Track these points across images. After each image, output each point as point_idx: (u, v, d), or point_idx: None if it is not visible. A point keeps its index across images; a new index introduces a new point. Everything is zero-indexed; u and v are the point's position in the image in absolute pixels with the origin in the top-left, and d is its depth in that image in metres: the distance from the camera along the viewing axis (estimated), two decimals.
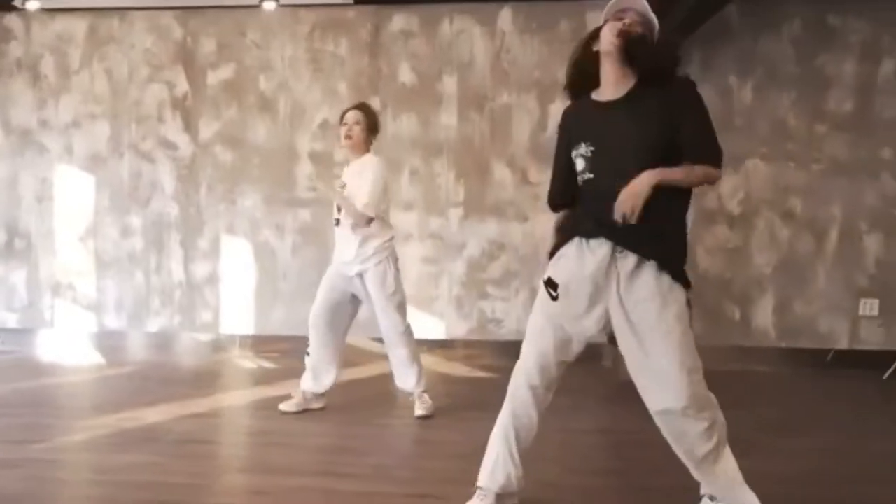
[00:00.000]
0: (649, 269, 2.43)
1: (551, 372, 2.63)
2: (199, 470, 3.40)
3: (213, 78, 6.14)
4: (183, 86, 6.17)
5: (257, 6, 5.92)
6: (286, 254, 6.04)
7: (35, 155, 6.29)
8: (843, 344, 5.77)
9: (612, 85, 2.42)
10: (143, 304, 6.26)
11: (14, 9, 6.03)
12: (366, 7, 6.01)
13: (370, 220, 4.10)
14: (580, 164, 2.45)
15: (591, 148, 2.40)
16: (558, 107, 5.88)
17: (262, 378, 5.30)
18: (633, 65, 2.41)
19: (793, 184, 5.79)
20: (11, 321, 6.36)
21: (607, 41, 2.38)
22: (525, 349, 2.68)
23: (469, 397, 4.82)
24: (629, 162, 2.35)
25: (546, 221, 5.90)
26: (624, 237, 2.39)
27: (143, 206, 6.22)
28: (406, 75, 6.04)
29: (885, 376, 5.41)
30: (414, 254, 6.03)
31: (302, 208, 6.07)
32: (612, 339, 2.66)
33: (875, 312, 5.76)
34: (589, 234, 2.46)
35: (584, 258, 2.47)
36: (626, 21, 2.37)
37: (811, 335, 5.81)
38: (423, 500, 3.05)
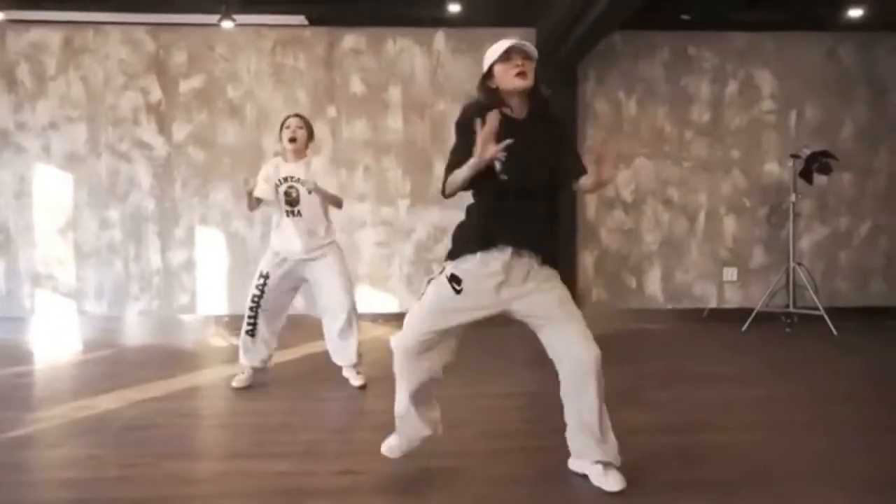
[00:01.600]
0: (538, 263, 2.81)
1: (433, 343, 2.84)
2: (134, 461, 3.22)
3: (185, 86, 6.68)
4: (157, 93, 6.66)
5: (216, 25, 6.48)
6: (255, 241, 6.61)
7: (12, 155, 6.56)
8: (713, 304, 7.12)
9: (514, 109, 2.79)
10: (122, 289, 6.65)
11: None
12: (321, 28, 6.76)
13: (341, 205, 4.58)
14: (497, 166, 2.67)
15: (504, 153, 2.59)
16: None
17: (229, 356, 5.18)
18: (531, 98, 2.81)
19: (670, 177, 7.09)
20: None
21: (512, 81, 2.73)
22: (417, 327, 2.82)
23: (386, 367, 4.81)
24: (535, 171, 2.75)
25: None
26: (523, 241, 2.74)
27: (121, 201, 6.62)
28: (357, 86, 6.82)
29: (743, 328, 6.58)
30: (368, 239, 6.84)
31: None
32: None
33: (734, 278, 7.14)
34: (500, 243, 2.74)
35: (489, 260, 2.75)
36: (520, 63, 2.74)
37: (689, 297, 7.13)
38: (345, 476, 3.04)
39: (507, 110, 2.74)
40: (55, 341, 6.25)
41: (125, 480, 3.01)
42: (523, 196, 2.73)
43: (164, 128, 6.68)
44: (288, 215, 4.35)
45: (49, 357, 5.72)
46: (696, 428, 3.75)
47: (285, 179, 4.34)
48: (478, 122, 2.56)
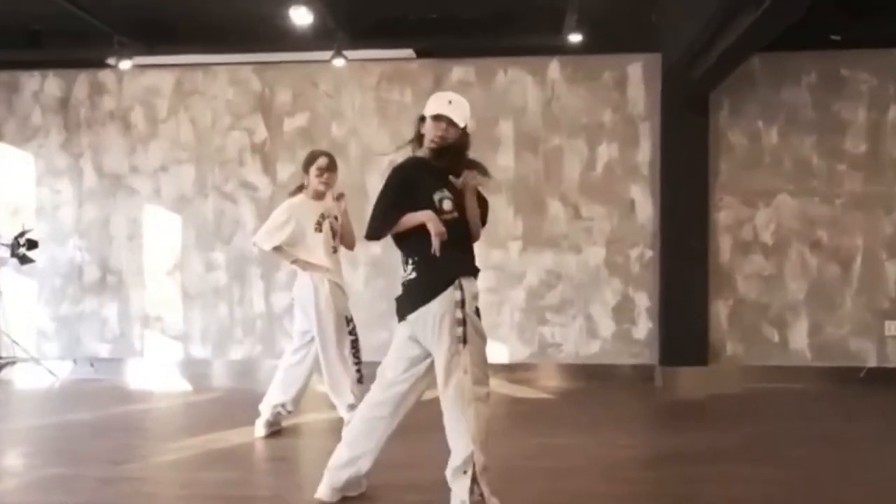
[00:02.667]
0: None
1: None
2: (282, 484, 3.59)
3: (289, 125, 6.48)
4: (262, 132, 6.50)
5: (328, 61, 6.28)
6: (359, 284, 6.26)
7: (126, 197, 6.58)
8: (872, 362, 6.08)
9: (434, 158, 3.08)
10: (226, 333, 6.51)
11: (107, 66, 6.36)
12: (427, 60, 6.40)
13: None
14: (447, 205, 2.99)
15: (450, 196, 2.98)
16: (605, 149, 6.30)
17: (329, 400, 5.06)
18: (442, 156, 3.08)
19: (818, 217, 6.15)
20: (104, 351, 6.59)
21: (431, 139, 3.05)
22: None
23: (529, 416, 5.02)
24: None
25: (597, 252, 6.32)
26: (475, 269, 3.11)
27: (226, 243, 6.50)
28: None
29: None
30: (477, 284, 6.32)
31: (372, 242, 6.36)
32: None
33: None
34: (470, 273, 3.06)
35: (454, 292, 2.97)
36: (443, 128, 3.01)
37: (843, 354, 6.12)
38: None
39: (431, 159, 3.07)
40: (167, 382, 6.34)
41: (280, 500, 3.38)
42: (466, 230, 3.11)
43: (268, 168, 6.51)
44: (335, 251, 4.38)
45: (166, 396, 5.99)
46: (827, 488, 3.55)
47: (324, 216, 4.33)
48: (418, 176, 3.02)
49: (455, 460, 2.95)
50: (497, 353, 6.24)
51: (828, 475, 3.75)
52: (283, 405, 4.45)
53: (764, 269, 6.20)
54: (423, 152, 3.09)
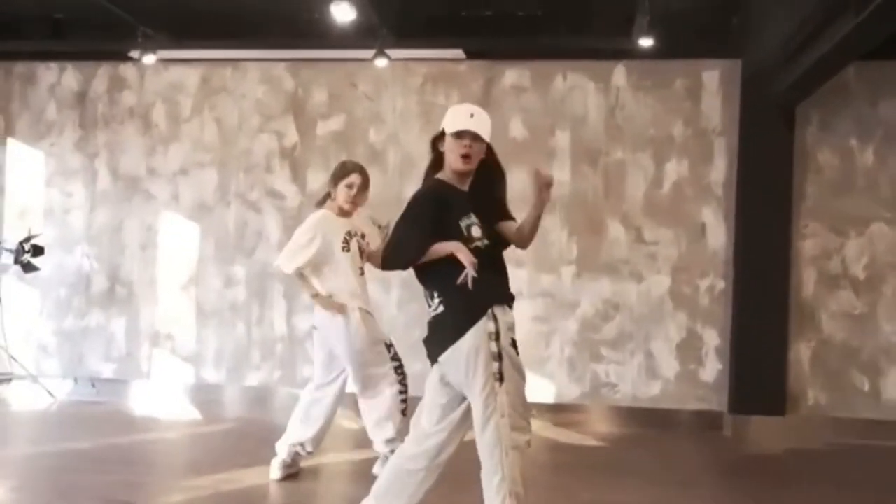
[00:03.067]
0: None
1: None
2: None
3: (323, 128, 6.06)
4: (293, 136, 6.08)
5: (369, 60, 5.77)
6: (392, 308, 5.75)
7: (142, 202, 6.21)
8: None
9: (458, 181, 2.80)
10: (243, 356, 6.06)
11: (129, 59, 5.96)
12: (478, 62, 5.97)
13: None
14: (476, 232, 2.71)
15: (477, 221, 2.73)
16: (674, 165, 5.81)
17: (363, 440, 4.65)
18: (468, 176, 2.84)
19: None
20: (108, 371, 6.19)
21: (456, 161, 2.75)
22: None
23: (578, 466, 4.65)
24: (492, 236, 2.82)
25: (661, 282, 5.68)
26: (510, 296, 2.81)
27: (248, 256, 6.07)
28: (518, 129, 5.89)
29: None
30: (524, 312, 5.71)
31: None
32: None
33: None
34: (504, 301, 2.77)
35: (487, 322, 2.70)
36: (467, 144, 2.73)
37: None
38: None
39: (454, 183, 2.83)
40: (174, 409, 5.95)
41: None
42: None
43: (297, 175, 6.05)
44: (362, 273, 4.05)
45: (174, 425, 5.61)
46: None
47: (351, 234, 4.02)
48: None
49: None
50: (542, 391, 5.74)
51: None
52: (302, 445, 4.09)
53: (854, 307, 5.60)
54: (444, 175, 2.81)
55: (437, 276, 2.72)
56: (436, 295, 2.74)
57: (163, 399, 6.04)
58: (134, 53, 5.86)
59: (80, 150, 6.27)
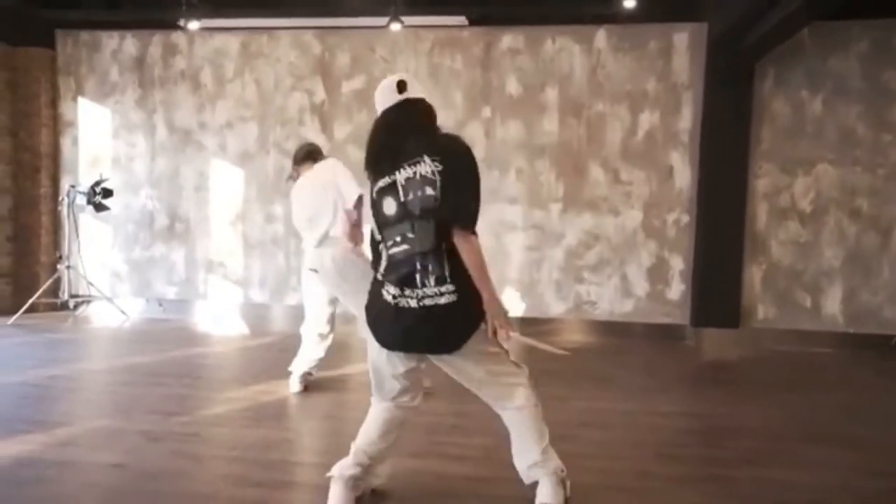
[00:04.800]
0: None
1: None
2: (323, 448, 3.29)
3: (347, 87, 6.56)
4: (321, 94, 6.59)
5: (385, 27, 6.37)
6: None
7: (194, 152, 6.77)
8: None
9: None
10: (283, 280, 6.68)
11: (179, 28, 6.54)
12: (479, 28, 6.38)
13: None
14: None
15: None
16: (647, 116, 6.19)
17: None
18: None
19: (859, 186, 5.97)
20: (171, 293, 6.84)
21: None
22: None
23: (565, 374, 4.77)
24: None
25: (634, 216, 6.32)
26: None
27: (285, 197, 6.45)
28: (513, 87, 6.36)
29: None
30: (518, 242, 6.38)
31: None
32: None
33: None
34: None
35: None
36: None
37: (878, 322, 5.98)
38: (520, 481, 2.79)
39: None
40: (226, 325, 6.48)
41: (320, 467, 2.88)
42: None
43: (326, 127, 6.60)
44: None
45: (224, 340, 5.95)
46: None
47: None
48: None
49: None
50: (534, 308, 6.30)
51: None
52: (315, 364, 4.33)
53: (800, 235, 6.06)
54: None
55: (454, 259, 2.40)
56: (448, 279, 2.39)
57: (217, 316, 6.66)
58: (181, 22, 6.33)
59: (141, 108, 6.80)
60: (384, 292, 2.49)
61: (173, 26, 6.54)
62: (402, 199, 2.43)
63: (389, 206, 2.46)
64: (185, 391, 4.28)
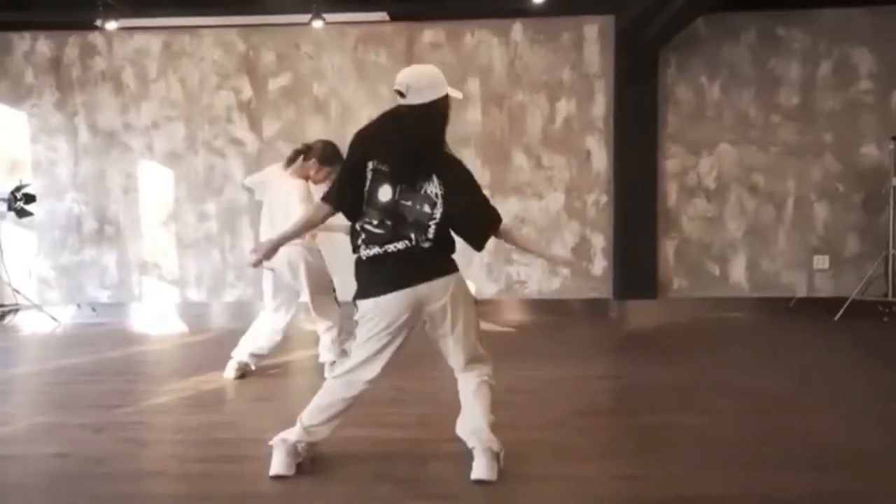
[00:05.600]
0: None
1: None
2: (268, 426, 3.27)
3: (274, 85, 6.52)
4: (248, 92, 6.53)
5: (308, 24, 6.37)
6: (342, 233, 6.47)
7: (120, 153, 6.58)
8: (802, 293, 6.43)
9: None
10: (220, 278, 6.61)
11: (96, 28, 6.29)
12: (401, 24, 6.46)
13: None
14: None
15: None
16: (563, 104, 6.45)
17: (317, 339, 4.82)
18: None
19: (755, 163, 6.42)
20: (104, 297, 6.65)
21: None
22: None
23: (499, 348, 4.75)
24: None
25: (557, 198, 6.62)
26: None
27: (217, 195, 6.56)
28: None
29: (836, 318, 5.96)
30: None
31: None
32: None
33: (826, 266, 6.45)
34: None
35: None
36: None
37: (777, 287, 6.47)
38: (455, 443, 3.02)
39: None
40: (164, 325, 6.35)
41: (264, 443, 2.99)
42: None
43: (254, 125, 6.55)
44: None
45: (162, 338, 5.88)
46: (786, 412, 3.65)
47: None
48: None
49: None
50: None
51: (786, 403, 3.81)
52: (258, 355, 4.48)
53: (707, 211, 6.47)
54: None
55: (451, 239, 2.86)
56: (431, 237, 2.77)
57: (155, 317, 6.49)
58: (98, 22, 6.04)
59: (60, 110, 6.55)
60: (369, 252, 2.77)
61: (90, 27, 6.27)
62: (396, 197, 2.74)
63: (385, 193, 2.76)
64: (126, 386, 4.29)
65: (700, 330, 5.86)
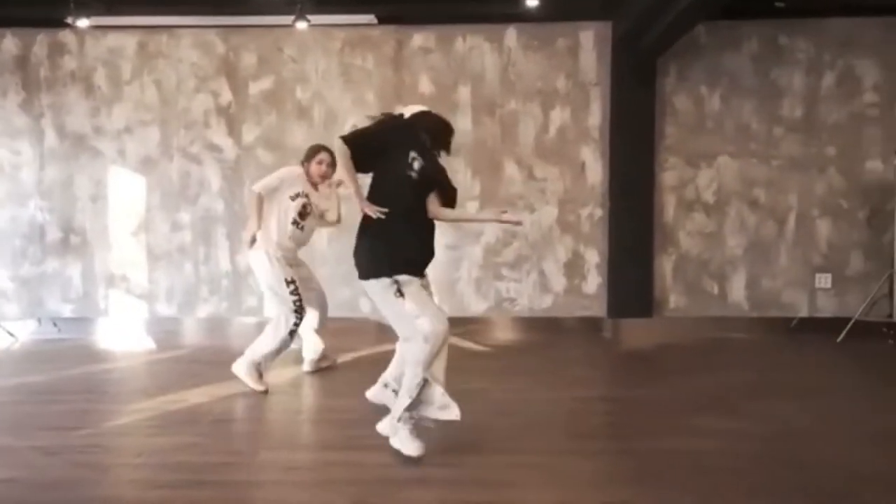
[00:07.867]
0: None
1: None
2: (235, 448, 3.22)
3: (255, 88, 6.12)
4: (227, 95, 6.12)
5: (291, 26, 5.95)
6: (323, 244, 5.93)
7: (89, 158, 6.14)
8: (803, 312, 6.07)
9: None
10: (192, 292, 6.15)
11: (67, 25, 5.88)
12: (389, 27, 6.09)
13: None
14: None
15: None
16: (558, 113, 6.12)
17: (297, 357, 4.82)
18: None
19: (756, 177, 6.07)
20: (67, 311, 6.17)
21: None
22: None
23: (487, 369, 4.83)
24: None
25: (550, 212, 6.21)
26: None
27: (192, 204, 6.13)
28: (426, 86, 6.11)
29: (839, 339, 5.60)
30: (438, 241, 6.04)
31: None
32: None
33: (828, 285, 6.08)
34: None
35: None
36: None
37: (777, 306, 6.10)
38: (444, 468, 2.97)
39: None
40: (131, 341, 5.92)
41: (232, 466, 3.00)
42: None
43: (233, 130, 6.13)
44: (294, 224, 4.36)
45: (129, 355, 5.51)
46: (790, 437, 3.42)
47: (300, 195, 4.35)
48: None
49: None
50: (455, 307, 6.04)
51: (790, 427, 3.58)
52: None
53: (706, 226, 6.11)
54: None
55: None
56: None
57: (121, 333, 6.05)
58: (69, 20, 5.69)
59: (25, 112, 6.12)
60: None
61: (60, 24, 5.88)
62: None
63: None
64: (86, 406, 3.99)
65: (698, 350, 5.56)
